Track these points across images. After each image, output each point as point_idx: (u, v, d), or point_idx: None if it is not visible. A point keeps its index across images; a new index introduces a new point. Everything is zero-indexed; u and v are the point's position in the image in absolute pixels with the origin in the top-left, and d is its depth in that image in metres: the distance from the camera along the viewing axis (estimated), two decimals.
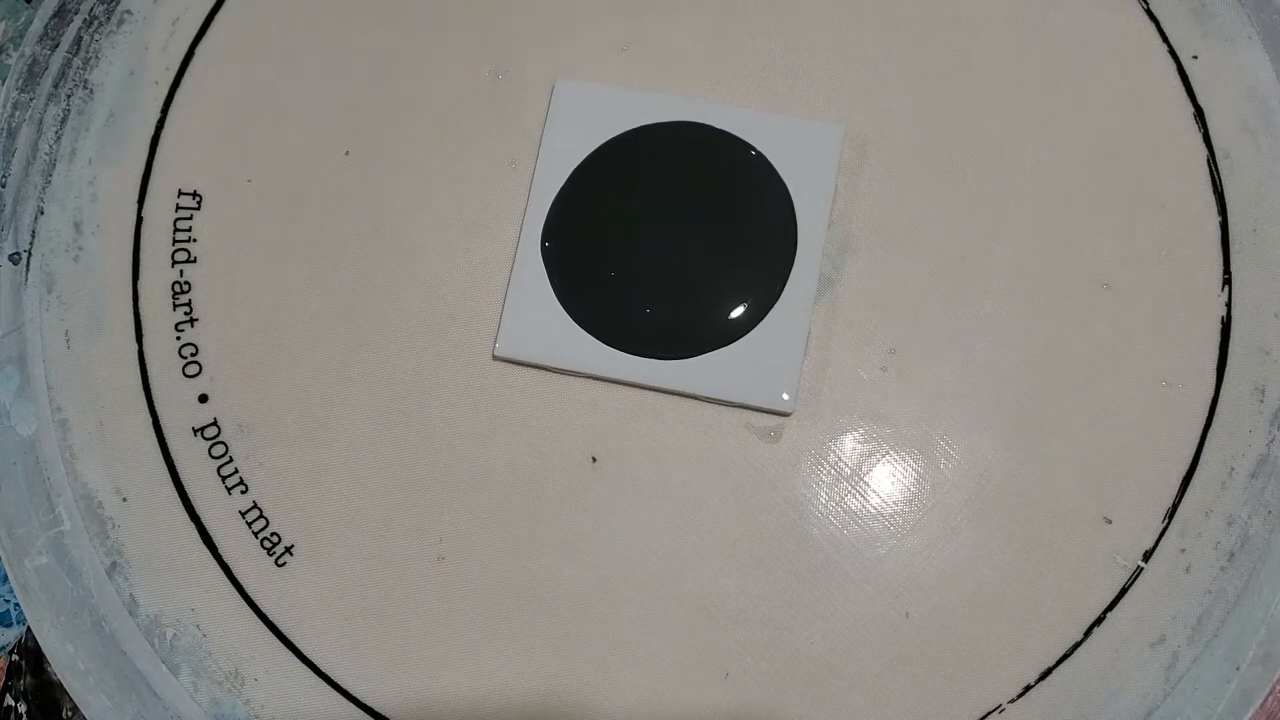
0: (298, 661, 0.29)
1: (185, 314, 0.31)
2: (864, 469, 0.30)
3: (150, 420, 0.30)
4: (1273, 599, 0.29)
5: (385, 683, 0.29)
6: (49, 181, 0.32)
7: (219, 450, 0.30)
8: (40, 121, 0.32)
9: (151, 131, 0.32)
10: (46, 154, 0.32)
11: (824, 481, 0.30)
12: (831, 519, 0.29)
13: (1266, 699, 0.28)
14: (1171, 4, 0.32)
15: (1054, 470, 0.29)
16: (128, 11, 0.33)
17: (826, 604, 0.29)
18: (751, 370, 0.30)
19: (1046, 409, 0.30)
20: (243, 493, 0.30)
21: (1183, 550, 0.29)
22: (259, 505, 0.30)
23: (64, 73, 0.33)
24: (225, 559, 0.30)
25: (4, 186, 0.32)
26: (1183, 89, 0.32)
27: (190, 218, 0.32)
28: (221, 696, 0.29)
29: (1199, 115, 0.31)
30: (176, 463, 0.30)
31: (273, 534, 0.30)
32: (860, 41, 0.32)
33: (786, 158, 0.31)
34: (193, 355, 0.31)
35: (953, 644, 0.29)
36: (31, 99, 0.32)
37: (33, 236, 0.32)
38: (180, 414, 0.31)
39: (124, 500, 0.30)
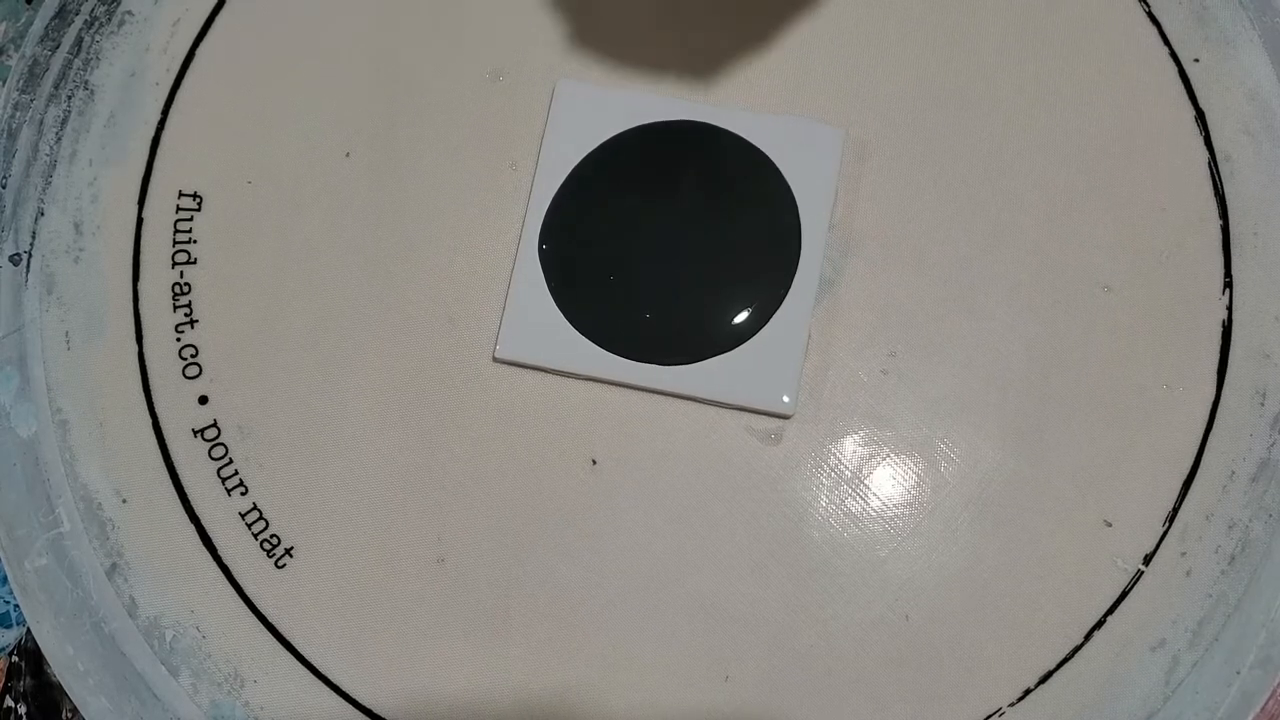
0: (297, 663, 0.29)
1: (185, 315, 0.31)
2: (864, 472, 0.30)
3: (150, 422, 0.30)
4: (1273, 602, 0.29)
5: (384, 684, 0.29)
6: (49, 183, 0.32)
7: (219, 452, 0.30)
8: (41, 123, 0.32)
9: (152, 133, 0.32)
10: (47, 155, 0.32)
11: (824, 484, 0.30)
12: (832, 521, 0.29)
13: (1267, 702, 0.28)
14: (1173, 7, 0.32)
15: (1054, 473, 0.29)
16: (128, 13, 0.33)
17: (827, 606, 0.29)
18: (752, 373, 0.30)
19: (1047, 412, 0.30)
20: (242, 494, 0.30)
21: (1183, 554, 0.29)
22: (259, 507, 0.30)
23: (64, 74, 0.33)
24: (225, 560, 0.30)
25: (4, 188, 0.32)
26: (1184, 92, 0.32)
27: (190, 219, 0.32)
28: (221, 698, 0.29)
29: (1200, 118, 0.31)
30: (176, 464, 0.30)
31: (272, 536, 0.30)
32: (862, 44, 0.32)
33: (787, 160, 0.31)
34: (193, 357, 0.31)
35: (953, 647, 0.29)
36: (32, 100, 0.32)
37: (33, 237, 0.32)
38: (180, 415, 0.30)
39: (124, 502, 0.30)
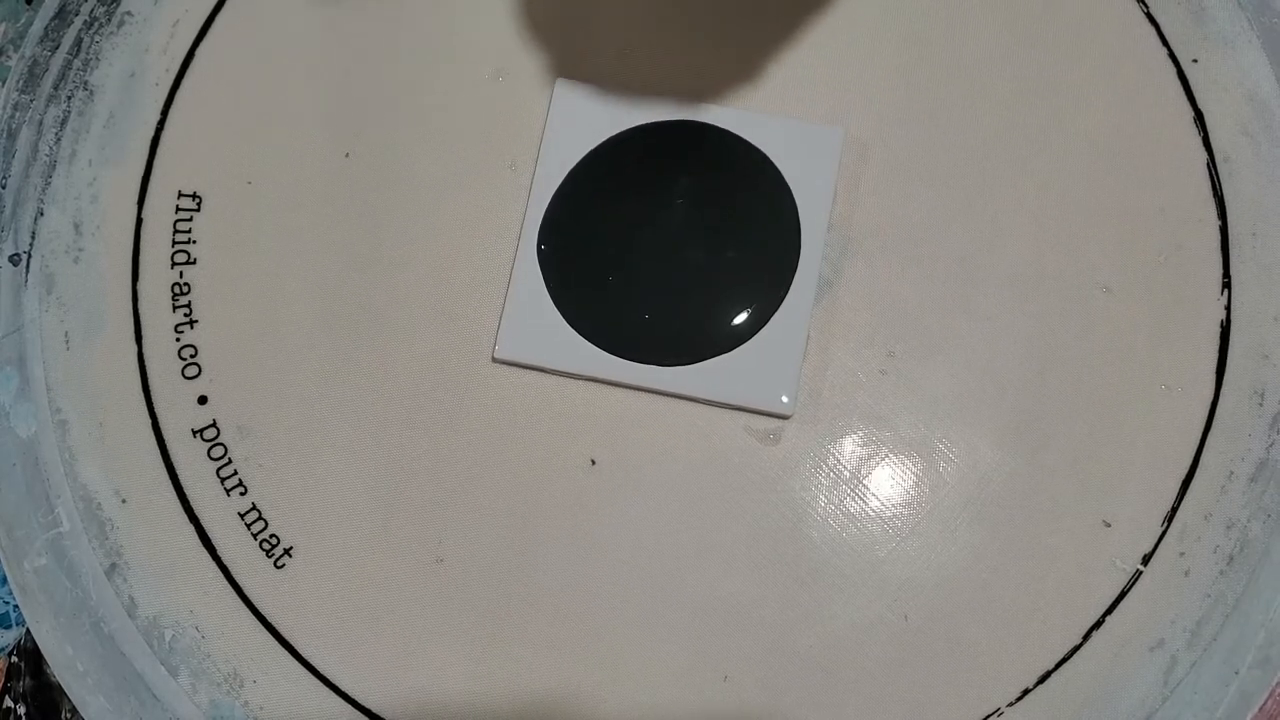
0: (296, 663, 0.29)
1: (185, 315, 0.31)
2: (863, 472, 0.30)
3: (149, 422, 0.31)
4: (1272, 602, 0.29)
5: (383, 684, 0.29)
6: (49, 183, 0.32)
7: (218, 452, 0.30)
8: (40, 123, 0.32)
9: (151, 133, 0.32)
10: (46, 155, 0.32)
11: (823, 484, 0.30)
12: (831, 522, 0.29)
13: (1265, 702, 0.28)
14: (1172, 7, 0.32)
15: (1053, 474, 0.29)
16: (128, 13, 0.33)
17: (825, 607, 0.29)
18: (751, 373, 0.30)
19: (1046, 412, 0.30)
20: (242, 494, 0.30)
21: (1182, 554, 0.29)
22: (258, 507, 0.30)
23: (64, 74, 0.33)
24: (224, 560, 0.30)
25: (4, 188, 0.32)
26: (1183, 93, 0.32)
27: (190, 219, 0.32)
28: (220, 698, 0.29)
29: (1199, 119, 0.31)
30: (176, 464, 0.30)
31: (272, 535, 0.30)
32: (861, 45, 0.32)
33: (787, 160, 0.31)
34: (192, 357, 0.31)
35: (951, 647, 0.29)
36: (32, 100, 0.32)
37: (33, 238, 0.32)
38: (179, 415, 0.31)
39: (123, 502, 0.30)
